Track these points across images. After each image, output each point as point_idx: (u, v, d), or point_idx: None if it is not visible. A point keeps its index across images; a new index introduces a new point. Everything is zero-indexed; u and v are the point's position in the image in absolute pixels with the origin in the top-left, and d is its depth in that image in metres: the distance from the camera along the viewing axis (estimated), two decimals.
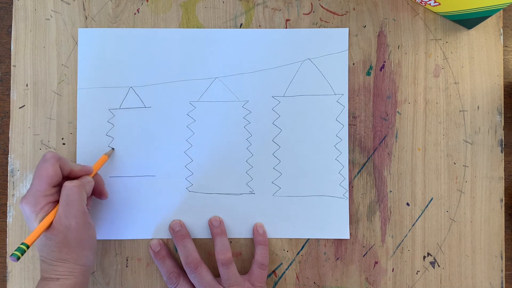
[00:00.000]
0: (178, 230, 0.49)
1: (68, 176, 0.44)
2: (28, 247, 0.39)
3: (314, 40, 0.51)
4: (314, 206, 0.50)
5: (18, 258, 0.38)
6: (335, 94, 0.51)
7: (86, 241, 0.42)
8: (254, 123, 0.51)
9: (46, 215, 0.41)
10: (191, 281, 0.47)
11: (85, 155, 0.50)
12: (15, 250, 0.38)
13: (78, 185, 0.42)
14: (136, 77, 0.50)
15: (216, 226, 0.49)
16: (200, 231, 0.50)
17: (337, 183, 0.50)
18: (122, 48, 0.50)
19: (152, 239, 0.50)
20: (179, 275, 0.48)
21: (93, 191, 0.47)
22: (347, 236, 0.50)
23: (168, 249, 0.50)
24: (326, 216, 0.50)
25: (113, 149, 0.50)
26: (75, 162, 0.50)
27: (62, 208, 0.41)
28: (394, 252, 0.51)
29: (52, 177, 0.41)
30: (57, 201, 0.42)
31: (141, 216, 0.50)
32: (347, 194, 0.50)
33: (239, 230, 0.50)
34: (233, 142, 0.50)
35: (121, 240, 0.50)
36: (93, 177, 0.46)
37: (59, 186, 0.43)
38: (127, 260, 0.50)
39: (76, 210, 0.41)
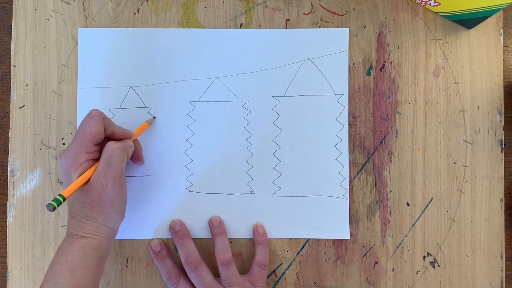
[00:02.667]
0: (179, 229, 0.49)
1: (109, 137, 0.44)
2: (64, 199, 0.39)
3: (314, 40, 0.51)
4: (314, 206, 0.50)
5: (54, 208, 0.38)
6: (335, 94, 0.51)
7: (118, 204, 0.42)
8: (254, 123, 0.51)
9: (84, 171, 0.41)
10: (191, 281, 0.47)
11: None
12: (52, 200, 0.38)
13: (121, 147, 0.42)
14: (136, 77, 0.50)
15: (216, 226, 0.49)
16: (200, 231, 0.50)
17: (337, 183, 0.50)
18: (122, 48, 0.50)
19: (152, 239, 0.50)
20: (179, 275, 0.48)
21: (131, 156, 0.47)
22: (347, 236, 0.50)
23: (168, 249, 0.50)
24: (326, 216, 0.50)
25: (154, 117, 0.50)
26: None
27: (102, 167, 0.41)
28: (394, 252, 0.51)
29: (95, 135, 0.42)
30: (95, 160, 0.43)
31: (141, 216, 0.50)
32: (347, 194, 0.50)
33: (239, 230, 0.50)
34: (233, 142, 0.50)
35: (121, 240, 0.50)
36: (133, 142, 0.46)
37: (100, 145, 0.43)
38: (127, 260, 0.50)
39: (115, 171, 0.41)
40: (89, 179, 0.41)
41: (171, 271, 0.48)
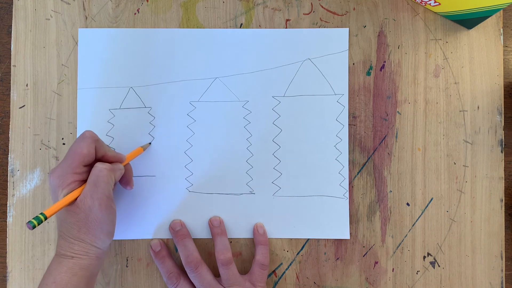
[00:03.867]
0: (179, 229, 0.49)
1: (100, 159, 0.44)
2: (46, 218, 0.39)
3: (314, 40, 0.51)
4: (314, 206, 0.50)
5: (34, 227, 0.38)
6: (335, 94, 0.51)
7: (106, 224, 0.42)
8: (254, 123, 0.51)
9: (71, 191, 0.41)
10: (191, 281, 0.47)
11: None
12: (33, 218, 0.38)
13: (108, 169, 0.42)
14: (136, 77, 0.50)
15: (216, 226, 0.49)
16: (200, 231, 0.50)
17: (337, 183, 0.50)
18: (122, 48, 0.50)
19: (152, 239, 0.50)
20: (179, 275, 0.48)
21: (121, 179, 0.47)
22: (347, 236, 0.50)
23: (168, 249, 0.50)
24: (326, 216, 0.50)
25: (150, 143, 0.50)
26: None
27: (89, 188, 0.41)
28: (394, 252, 0.51)
29: (85, 156, 0.41)
30: (84, 181, 0.42)
31: (141, 216, 0.50)
32: (347, 194, 0.50)
33: (239, 230, 0.50)
34: (233, 142, 0.50)
35: (121, 240, 0.50)
36: (124, 166, 0.46)
37: (89, 166, 0.43)
38: (127, 260, 0.50)
39: (102, 192, 0.41)
40: (76, 200, 0.41)
41: (171, 271, 0.48)
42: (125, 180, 0.47)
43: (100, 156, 0.43)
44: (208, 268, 0.47)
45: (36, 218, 0.38)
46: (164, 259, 0.48)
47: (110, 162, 0.44)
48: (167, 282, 0.48)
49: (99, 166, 0.42)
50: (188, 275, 0.47)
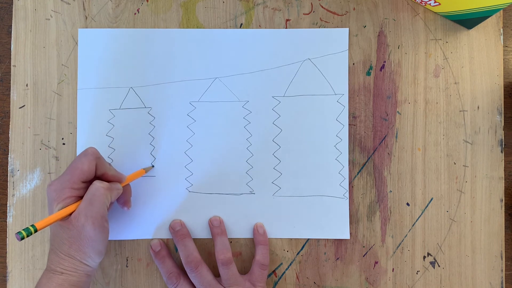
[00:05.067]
0: (179, 229, 0.49)
1: (100, 177, 0.44)
2: (36, 230, 0.38)
3: (314, 40, 0.51)
4: (314, 206, 0.50)
5: (23, 238, 0.37)
6: (335, 94, 0.51)
7: (97, 243, 0.42)
8: (254, 123, 0.51)
9: (66, 206, 0.41)
10: (191, 280, 0.47)
11: None
12: (22, 229, 0.38)
13: (106, 188, 0.42)
14: (136, 77, 0.50)
15: (216, 226, 0.49)
16: (200, 231, 0.50)
17: (337, 183, 0.50)
18: (122, 48, 0.50)
19: (152, 239, 0.50)
20: (179, 275, 0.48)
21: (118, 198, 0.47)
22: (347, 236, 0.50)
23: (168, 249, 0.50)
24: (326, 216, 0.50)
25: (153, 166, 0.50)
26: None
27: (84, 205, 0.41)
28: (394, 252, 0.51)
29: (85, 173, 0.41)
30: (81, 197, 0.42)
31: (141, 216, 0.50)
32: (347, 194, 0.50)
33: (239, 230, 0.50)
34: (233, 142, 0.50)
35: (121, 240, 0.50)
36: (123, 186, 0.45)
37: (88, 183, 0.43)
38: (127, 260, 0.50)
39: (97, 211, 0.41)
40: (70, 216, 0.41)
41: (171, 271, 0.48)
42: (122, 200, 0.47)
43: (100, 174, 0.43)
44: (208, 268, 0.47)
45: (26, 229, 0.38)
46: (164, 259, 0.48)
47: (109, 181, 0.44)
48: (167, 282, 0.48)
49: (96, 184, 0.42)
50: (188, 275, 0.47)
